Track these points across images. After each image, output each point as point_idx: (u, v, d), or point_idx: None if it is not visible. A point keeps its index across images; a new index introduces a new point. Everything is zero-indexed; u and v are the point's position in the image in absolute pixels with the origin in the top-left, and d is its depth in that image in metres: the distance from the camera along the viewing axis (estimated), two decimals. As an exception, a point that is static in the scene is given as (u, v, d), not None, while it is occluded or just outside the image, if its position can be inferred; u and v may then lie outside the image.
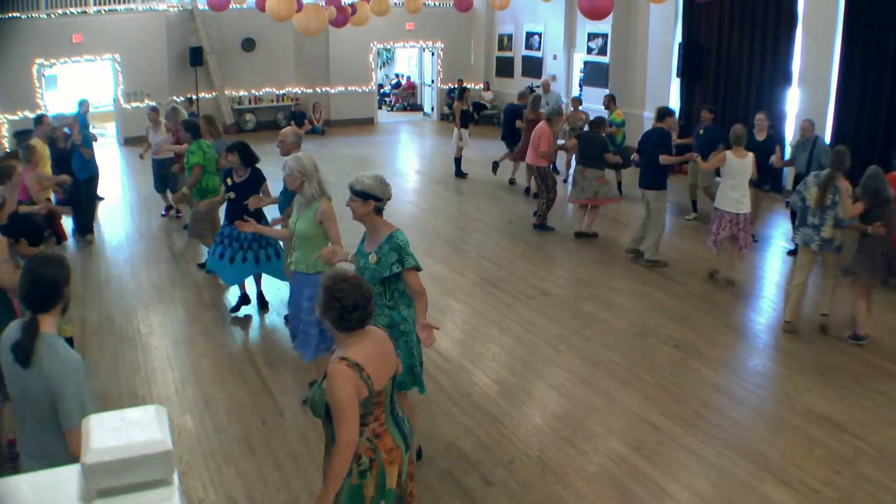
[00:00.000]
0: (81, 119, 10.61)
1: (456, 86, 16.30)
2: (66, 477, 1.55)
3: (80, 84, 17.78)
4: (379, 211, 4.11)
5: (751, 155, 7.60)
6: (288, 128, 6.77)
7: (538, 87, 14.53)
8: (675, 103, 13.59)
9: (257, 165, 6.62)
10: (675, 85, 13.63)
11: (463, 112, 12.63)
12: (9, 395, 3.16)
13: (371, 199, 4.04)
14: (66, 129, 9.33)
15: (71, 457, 2.90)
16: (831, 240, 6.32)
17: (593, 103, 13.40)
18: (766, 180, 9.12)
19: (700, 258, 8.49)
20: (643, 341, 6.46)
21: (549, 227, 9.81)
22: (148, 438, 1.56)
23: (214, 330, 6.71)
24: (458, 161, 13.07)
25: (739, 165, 7.49)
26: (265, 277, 7.24)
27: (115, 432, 1.56)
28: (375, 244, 4.11)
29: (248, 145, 6.61)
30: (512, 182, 12.48)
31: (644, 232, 8.45)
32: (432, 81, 20.38)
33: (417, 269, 4.07)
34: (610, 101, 11.74)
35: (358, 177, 4.07)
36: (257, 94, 17.89)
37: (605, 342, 6.43)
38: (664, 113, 8.44)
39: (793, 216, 7.85)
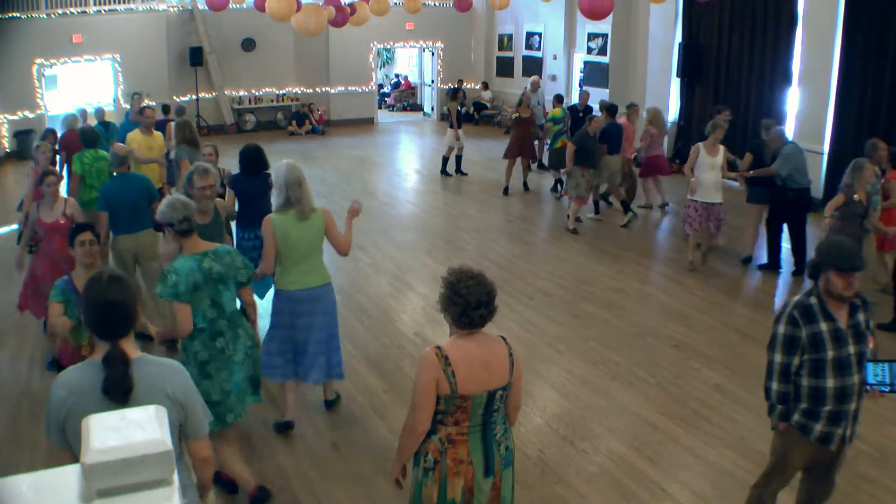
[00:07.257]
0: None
1: (455, 86, 16.26)
2: (66, 477, 1.55)
3: (80, 84, 17.75)
4: (184, 233, 3.84)
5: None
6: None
7: (527, 87, 14.45)
8: (675, 103, 13.60)
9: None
10: (675, 85, 13.63)
11: (457, 112, 12.64)
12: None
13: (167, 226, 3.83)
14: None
15: (188, 478, 2.70)
16: None
17: (592, 103, 13.33)
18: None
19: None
20: (643, 341, 6.46)
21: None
22: (148, 438, 1.55)
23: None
24: (446, 160, 13.00)
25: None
26: None
27: (115, 432, 1.56)
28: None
29: None
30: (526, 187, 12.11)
31: None
32: (432, 81, 20.39)
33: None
34: (555, 100, 11.80)
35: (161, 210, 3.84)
36: (257, 94, 17.90)
37: (605, 342, 6.43)
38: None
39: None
